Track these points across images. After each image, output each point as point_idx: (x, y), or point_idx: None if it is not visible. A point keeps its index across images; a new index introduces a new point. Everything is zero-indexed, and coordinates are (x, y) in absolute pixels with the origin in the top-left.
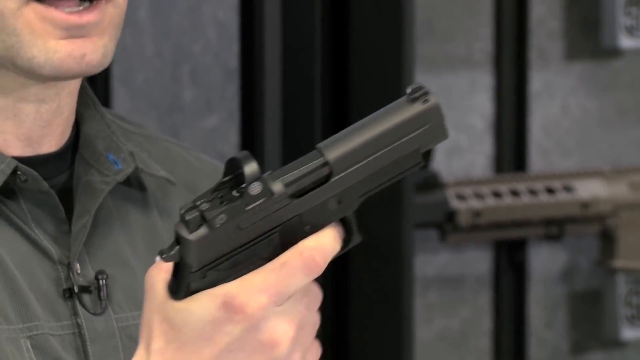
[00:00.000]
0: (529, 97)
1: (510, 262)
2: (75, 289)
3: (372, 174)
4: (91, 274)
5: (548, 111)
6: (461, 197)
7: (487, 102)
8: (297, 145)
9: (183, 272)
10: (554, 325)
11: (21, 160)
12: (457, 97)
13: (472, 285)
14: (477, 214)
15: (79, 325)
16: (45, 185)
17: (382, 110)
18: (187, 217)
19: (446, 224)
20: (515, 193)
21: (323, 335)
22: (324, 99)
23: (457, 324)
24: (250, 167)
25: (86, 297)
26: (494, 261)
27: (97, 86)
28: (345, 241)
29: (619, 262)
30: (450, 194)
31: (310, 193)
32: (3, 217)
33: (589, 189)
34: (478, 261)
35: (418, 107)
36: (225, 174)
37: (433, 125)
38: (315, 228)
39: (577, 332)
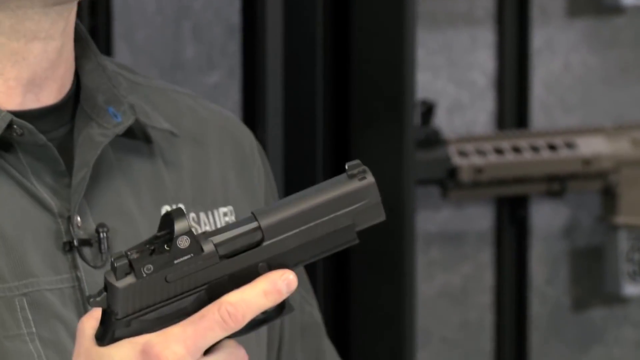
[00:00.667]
0: (531, 54)
1: (512, 219)
2: (75, 242)
3: (305, 244)
4: (92, 227)
5: (550, 68)
6: (463, 154)
7: (489, 58)
8: (298, 101)
9: (109, 319)
10: (555, 281)
11: (20, 113)
12: (458, 54)
13: (474, 242)
14: (479, 170)
15: (78, 279)
16: (42, 138)
17: (321, 184)
18: (116, 264)
19: (448, 181)
20: (517, 149)
21: (324, 290)
22: (326, 55)
23: (458, 280)
24: (181, 223)
25: (86, 250)
26: (495, 218)
27: (99, 43)
28: (279, 307)
29: (620, 219)
30: (452, 150)
31: (241, 255)
32: (2, 170)
33: (591, 146)
34: (480, 218)
35: (354, 184)
36: (160, 229)
37: (369, 203)
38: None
39: (578, 288)
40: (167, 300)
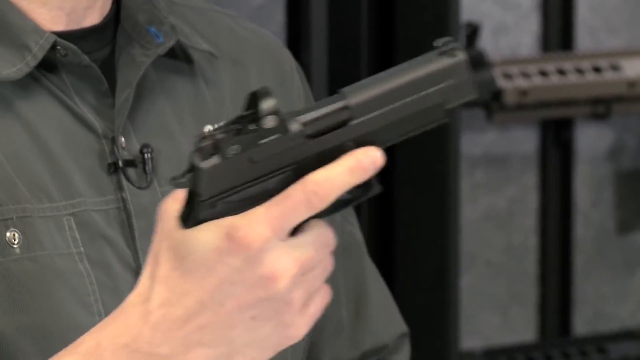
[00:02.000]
0: None
1: (556, 141)
2: (120, 163)
3: (393, 123)
4: (136, 148)
5: None
6: (508, 76)
7: None
8: (343, 23)
9: (193, 200)
10: (600, 204)
11: (63, 35)
12: None
13: (519, 165)
14: (523, 92)
15: (124, 200)
16: (85, 58)
17: (410, 61)
18: (201, 145)
19: (493, 103)
20: (562, 72)
21: (369, 211)
22: None
23: (503, 202)
24: (267, 103)
25: (131, 171)
26: (540, 140)
27: None
28: (365, 187)
29: None
30: (497, 72)
31: (328, 134)
32: (47, 91)
33: (636, 68)
34: (524, 140)
35: (445, 61)
36: (247, 108)
37: (459, 81)
38: None
39: (623, 211)
40: (253, 181)
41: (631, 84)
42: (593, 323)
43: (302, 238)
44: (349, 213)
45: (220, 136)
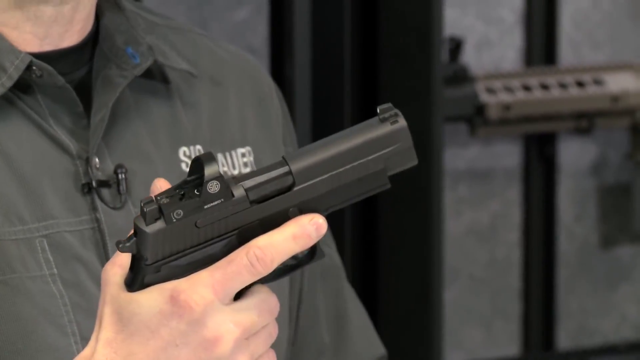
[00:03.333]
0: None
1: (540, 156)
2: (94, 184)
3: (336, 189)
4: (110, 168)
5: (578, 4)
6: (491, 91)
7: None
8: (326, 37)
9: (138, 264)
10: (583, 219)
11: (39, 55)
12: None
13: (502, 179)
14: (507, 107)
15: (98, 220)
16: (60, 79)
17: (352, 127)
18: (146, 210)
19: (476, 118)
20: (545, 86)
21: (352, 228)
22: None
23: (486, 217)
24: (211, 168)
25: (105, 192)
26: (523, 155)
27: None
28: (310, 252)
29: None
30: (480, 87)
31: (271, 200)
32: (21, 112)
33: (619, 82)
34: (508, 155)
35: (386, 127)
36: (190, 174)
37: (400, 147)
38: None
39: (606, 225)
40: (197, 245)
41: (614, 98)
42: (576, 337)
43: (246, 302)
44: (327, 235)
45: (164, 200)
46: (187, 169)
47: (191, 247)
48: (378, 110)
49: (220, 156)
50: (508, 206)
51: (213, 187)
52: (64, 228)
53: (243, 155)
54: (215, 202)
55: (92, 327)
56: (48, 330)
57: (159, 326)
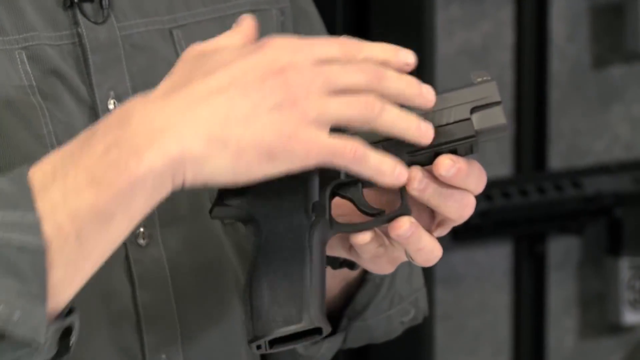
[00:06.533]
0: None
1: None
2: None
3: None
4: None
5: None
6: None
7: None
8: None
9: None
10: (575, 39)
11: None
12: None
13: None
14: None
15: (79, 35)
16: None
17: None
18: None
19: None
20: None
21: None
22: None
23: (479, 38)
24: None
25: (87, 6)
26: None
27: None
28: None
29: None
30: None
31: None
32: None
33: None
34: None
35: (474, 83)
36: None
37: (487, 101)
38: None
39: (599, 45)
40: None
41: None
42: (568, 158)
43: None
44: None
45: None
46: None
47: None
48: (472, 75)
49: None
50: (500, 26)
51: None
52: (45, 41)
53: None
54: None
55: (69, 139)
56: (28, 140)
57: (233, 60)
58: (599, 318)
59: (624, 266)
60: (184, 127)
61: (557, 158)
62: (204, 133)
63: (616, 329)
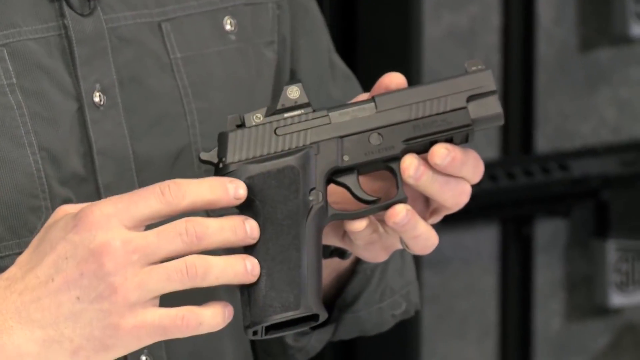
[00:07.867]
0: None
1: None
2: None
3: (417, 121)
4: None
5: None
6: None
7: None
8: None
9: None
10: (563, 21)
11: None
12: None
13: None
14: None
15: (65, 27)
16: None
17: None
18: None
19: None
20: None
21: (331, 27)
22: None
23: (465, 20)
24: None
25: None
26: None
27: None
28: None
29: None
30: None
31: (352, 120)
32: None
33: None
34: None
35: (468, 72)
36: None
37: (482, 90)
38: (353, 159)
39: (586, 27)
40: (274, 153)
41: None
42: (555, 140)
43: (153, 229)
44: None
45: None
46: None
47: (268, 154)
48: (466, 65)
49: None
50: (487, 9)
51: (293, 93)
52: (26, 36)
53: None
54: (296, 112)
55: (52, 135)
56: (2, 141)
57: (59, 240)
58: (586, 300)
59: (611, 248)
60: (21, 330)
61: (544, 141)
62: (39, 337)
63: (603, 311)
